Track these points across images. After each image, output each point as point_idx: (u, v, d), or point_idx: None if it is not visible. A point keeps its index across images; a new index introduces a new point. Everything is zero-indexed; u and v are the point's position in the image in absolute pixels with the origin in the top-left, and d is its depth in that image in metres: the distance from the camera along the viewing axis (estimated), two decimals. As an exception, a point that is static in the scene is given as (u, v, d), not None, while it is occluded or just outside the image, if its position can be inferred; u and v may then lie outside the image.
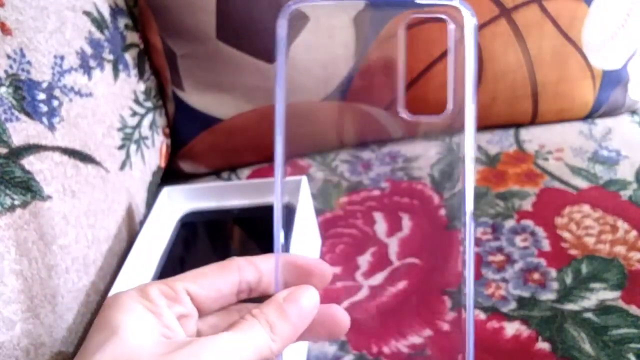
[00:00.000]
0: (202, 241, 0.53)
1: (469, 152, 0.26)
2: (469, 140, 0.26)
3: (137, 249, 0.46)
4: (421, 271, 0.49)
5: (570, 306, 0.44)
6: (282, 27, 0.27)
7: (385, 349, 0.42)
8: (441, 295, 0.46)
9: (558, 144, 0.64)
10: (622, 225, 0.51)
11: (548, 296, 0.45)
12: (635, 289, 0.45)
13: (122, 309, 0.26)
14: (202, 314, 0.28)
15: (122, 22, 0.59)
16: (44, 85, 0.42)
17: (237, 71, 0.62)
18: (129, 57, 0.59)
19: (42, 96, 0.42)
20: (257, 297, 0.29)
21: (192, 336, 0.28)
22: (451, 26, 0.27)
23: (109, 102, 0.53)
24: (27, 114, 0.39)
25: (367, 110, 0.63)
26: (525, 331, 0.42)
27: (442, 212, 0.55)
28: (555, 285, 0.46)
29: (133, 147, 0.56)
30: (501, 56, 0.63)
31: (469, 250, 0.27)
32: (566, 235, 0.51)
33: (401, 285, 0.47)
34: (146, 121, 0.60)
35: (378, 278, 0.48)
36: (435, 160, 0.62)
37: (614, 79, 0.66)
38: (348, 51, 0.61)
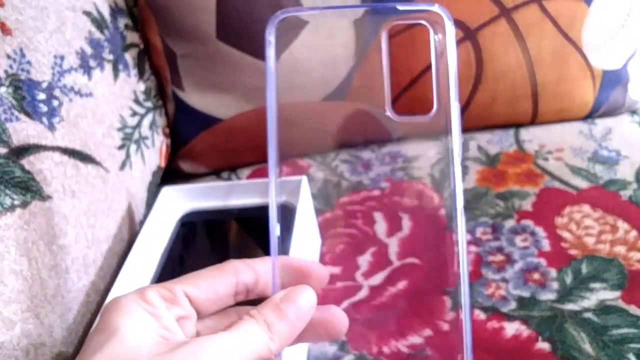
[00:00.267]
0: (201, 241, 0.53)
1: (456, 149, 0.27)
2: (455, 138, 0.27)
3: (137, 249, 0.46)
4: (421, 271, 0.49)
5: (570, 306, 0.44)
6: (270, 35, 0.28)
7: (385, 349, 0.42)
8: (441, 295, 0.46)
9: (558, 144, 0.64)
10: (622, 225, 0.51)
11: (548, 296, 0.45)
12: (635, 289, 0.45)
13: (122, 312, 0.26)
14: (200, 316, 0.29)
15: (122, 22, 0.59)
16: (44, 85, 0.42)
17: (237, 71, 0.62)
18: (129, 57, 0.59)
19: (42, 96, 0.42)
20: (255, 300, 0.29)
21: (191, 337, 0.28)
22: (432, 31, 0.28)
23: (109, 102, 0.53)
24: (27, 114, 0.39)
25: (367, 110, 0.63)
26: (525, 331, 0.42)
27: (442, 212, 0.55)
28: (555, 285, 0.46)
29: (133, 147, 0.56)
30: (501, 56, 0.63)
31: (462, 248, 0.27)
32: (566, 235, 0.51)
33: (401, 285, 0.47)
34: (146, 121, 0.60)
35: (378, 278, 0.48)
36: (435, 160, 0.62)
37: (614, 79, 0.66)
38: (348, 51, 0.61)
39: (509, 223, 0.53)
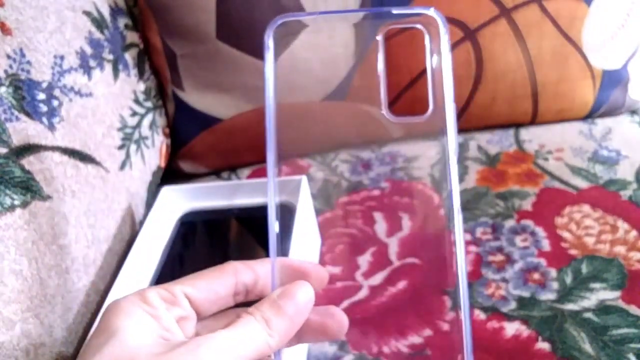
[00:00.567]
0: (201, 241, 0.53)
1: (452, 150, 0.28)
2: (451, 139, 0.28)
3: (136, 249, 0.46)
4: (421, 271, 0.49)
5: (570, 306, 0.44)
6: (269, 40, 0.28)
7: (385, 349, 0.42)
8: (441, 295, 0.46)
9: (558, 144, 0.64)
10: (622, 225, 0.51)
11: (548, 296, 0.45)
12: (635, 289, 0.45)
13: (121, 314, 0.26)
14: (200, 316, 0.29)
15: (122, 22, 0.59)
16: (44, 85, 0.42)
17: (237, 71, 0.62)
18: (129, 57, 0.59)
19: (42, 96, 0.42)
20: (254, 300, 0.29)
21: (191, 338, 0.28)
22: (427, 34, 0.29)
23: (109, 102, 0.53)
24: (27, 114, 0.39)
25: (367, 110, 0.63)
26: (525, 331, 0.42)
27: (442, 212, 0.55)
28: (555, 285, 0.46)
29: (133, 147, 0.56)
30: (501, 56, 0.63)
31: (459, 248, 0.27)
32: (566, 235, 0.51)
33: (401, 285, 0.47)
34: (146, 121, 0.60)
35: (378, 278, 0.48)
36: (435, 160, 0.62)
37: (614, 79, 0.66)
38: (348, 51, 0.61)
39: (509, 223, 0.53)
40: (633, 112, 0.69)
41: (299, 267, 0.29)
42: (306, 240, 0.48)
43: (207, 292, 0.28)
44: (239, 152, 0.66)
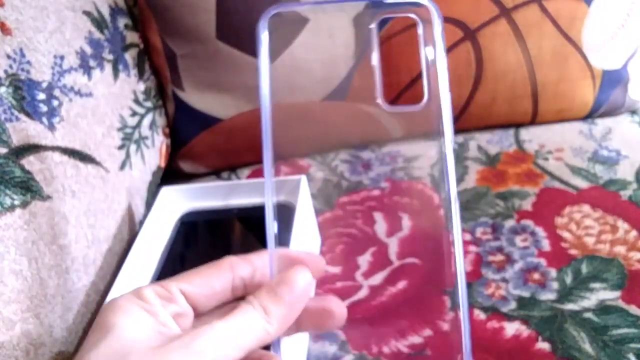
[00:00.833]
0: (201, 241, 0.53)
1: (448, 137, 0.28)
2: (447, 127, 0.28)
3: (136, 249, 0.46)
4: (421, 271, 0.49)
5: (570, 306, 0.44)
6: (263, 31, 0.28)
7: (385, 349, 0.42)
8: (441, 295, 0.46)
9: (558, 143, 0.64)
10: (622, 225, 0.51)
11: (548, 296, 0.45)
12: (635, 289, 0.45)
13: (118, 311, 0.26)
14: (198, 312, 0.29)
15: (122, 22, 0.59)
16: (44, 85, 0.42)
17: (237, 71, 0.62)
18: (129, 57, 0.59)
19: (42, 96, 0.42)
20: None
21: None
22: (420, 24, 0.29)
23: (109, 102, 0.53)
24: (27, 114, 0.39)
25: (367, 110, 0.63)
26: (525, 331, 0.42)
27: (442, 212, 0.55)
28: (555, 285, 0.46)
29: (133, 147, 0.56)
30: (501, 56, 0.63)
31: (457, 233, 0.28)
32: (566, 235, 0.51)
33: (401, 285, 0.47)
34: (146, 121, 0.60)
35: (378, 278, 0.48)
36: (435, 160, 0.62)
37: (614, 79, 0.66)
38: (348, 51, 0.61)
39: (509, 223, 0.53)
40: (633, 112, 0.69)
41: (296, 257, 0.29)
42: (306, 240, 0.48)
43: (203, 287, 0.28)
44: (239, 152, 0.66)
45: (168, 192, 0.52)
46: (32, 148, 0.39)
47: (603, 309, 0.43)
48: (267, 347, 0.28)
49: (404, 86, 0.62)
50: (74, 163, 0.44)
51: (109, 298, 0.42)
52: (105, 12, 0.55)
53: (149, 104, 0.62)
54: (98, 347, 0.24)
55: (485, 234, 0.52)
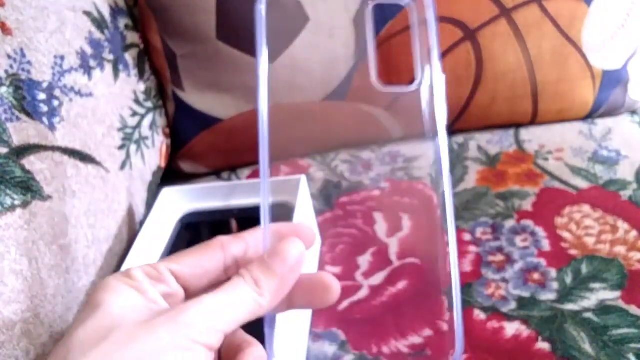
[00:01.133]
0: (201, 241, 0.53)
1: (441, 122, 0.28)
2: (440, 109, 0.28)
3: (137, 249, 0.46)
4: (421, 271, 0.49)
5: (570, 306, 0.44)
6: (261, 12, 0.28)
7: (385, 349, 0.42)
8: (441, 295, 0.46)
9: (558, 144, 0.64)
10: (622, 225, 0.51)
11: (548, 296, 0.45)
12: (635, 289, 0.45)
13: (107, 289, 0.26)
14: (190, 293, 0.28)
15: (122, 22, 0.59)
16: (44, 85, 0.42)
17: (237, 71, 0.62)
18: (129, 57, 0.59)
19: (42, 96, 0.42)
20: None
21: None
22: (414, 10, 0.30)
23: (109, 102, 0.53)
24: (28, 114, 0.39)
25: (367, 110, 0.63)
26: (525, 331, 0.42)
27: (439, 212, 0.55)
28: (555, 285, 0.46)
29: (133, 147, 0.56)
30: (501, 56, 0.63)
31: (449, 213, 0.28)
32: (566, 235, 0.51)
33: (401, 285, 0.47)
34: (146, 121, 0.60)
35: (378, 278, 0.48)
36: (435, 160, 0.62)
37: (614, 79, 0.66)
38: (348, 51, 0.61)
39: (509, 223, 0.53)
40: (633, 112, 0.69)
41: (287, 231, 0.29)
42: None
43: (193, 267, 0.28)
44: (239, 152, 0.66)
45: (169, 193, 0.52)
46: (33, 148, 0.39)
47: (603, 309, 0.43)
48: (262, 338, 0.27)
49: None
50: (75, 163, 0.44)
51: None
52: (106, 13, 0.55)
53: (149, 104, 0.62)
54: (85, 324, 0.24)
55: (485, 234, 0.52)
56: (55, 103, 0.43)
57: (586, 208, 0.54)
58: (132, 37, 0.61)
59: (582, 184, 0.57)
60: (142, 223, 0.54)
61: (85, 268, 0.43)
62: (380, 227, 0.54)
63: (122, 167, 0.53)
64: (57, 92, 0.44)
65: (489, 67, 0.63)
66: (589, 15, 0.62)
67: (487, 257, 0.50)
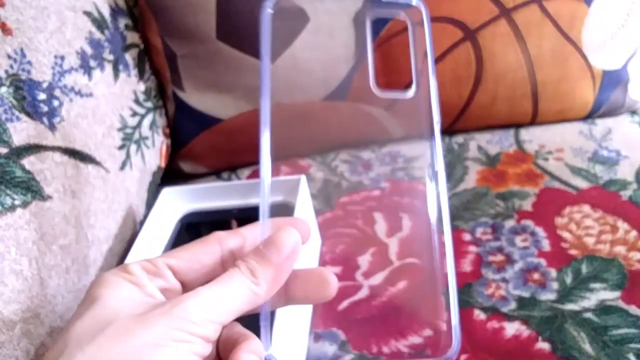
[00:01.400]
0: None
1: (436, 122, 0.30)
2: (435, 111, 0.30)
3: (137, 249, 0.46)
4: (421, 271, 0.49)
5: (570, 306, 0.44)
6: (265, 18, 0.29)
7: (385, 349, 0.42)
8: (441, 295, 0.46)
9: (558, 144, 0.64)
10: (622, 225, 0.51)
11: (548, 296, 0.45)
12: (635, 289, 0.45)
13: (104, 284, 0.26)
14: (187, 287, 0.28)
15: (122, 22, 0.59)
16: (45, 85, 0.42)
17: (237, 71, 0.62)
18: (129, 57, 0.59)
19: (42, 96, 0.42)
20: None
21: None
22: (410, 24, 0.32)
23: (109, 102, 0.53)
24: (28, 114, 0.39)
25: (367, 110, 0.63)
26: (525, 331, 0.42)
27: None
28: (555, 285, 0.46)
29: (133, 147, 0.56)
30: (501, 56, 0.63)
31: (444, 204, 0.29)
32: (566, 235, 0.51)
33: (401, 285, 0.47)
34: (146, 121, 0.60)
35: (378, 278, 0.48)
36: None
37: (614, 79, 0.66)
38: (348, 51, 0.61)
39: (509, 223, 0.53)
40: (633, 112, 0.69)
41: (284, 224, 0.29)
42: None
43: (190, 262, 0.28)
44: (239, 152, 0.66)
45: (169, 193, 0.52)
46: (33, 148, 0.39)
47: (603, 309, 0.43)
48: (258, 330, 0.28)
49: (404, 86, 0.62)
50: (75, 163, 0.44)
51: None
52: (106, 13, 0.55)
53: (149, 104, 0.62)
54: (83, 317, 0.25)
55: (485, 234, 0.52)
56: (55, 103, 0.43)
57: (586, 208, 0.54)
58: (132, 37, 0.61)
59: (582, 184, 0.57)
60: (142, 223, 0.54)
61: (85, 268, 0.43)
62: (380, 227, 0.54)
63: (122, 167, 0.53)
64: (57, 92, 0.44)
65: (489, 67, 0.63)
66: (589, 15, 0.62)
67: (487, 257, 0.50)
